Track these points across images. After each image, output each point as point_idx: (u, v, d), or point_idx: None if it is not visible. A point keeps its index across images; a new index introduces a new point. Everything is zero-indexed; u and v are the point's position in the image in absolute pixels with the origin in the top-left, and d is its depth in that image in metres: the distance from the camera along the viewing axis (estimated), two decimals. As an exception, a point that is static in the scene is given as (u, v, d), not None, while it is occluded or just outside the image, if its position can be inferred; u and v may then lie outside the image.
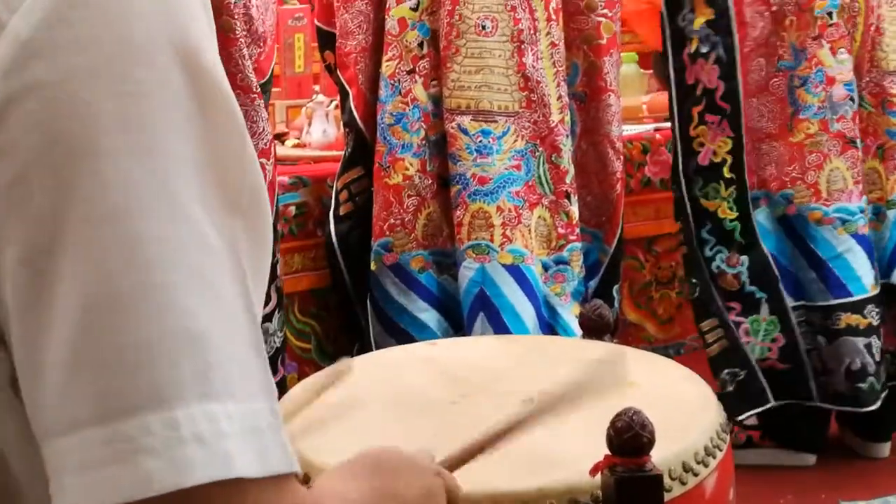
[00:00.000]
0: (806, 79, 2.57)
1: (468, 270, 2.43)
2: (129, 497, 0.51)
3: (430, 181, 2.49)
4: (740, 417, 2.58)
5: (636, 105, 3.36)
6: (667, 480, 1.18)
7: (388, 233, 2.48)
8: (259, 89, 2.25)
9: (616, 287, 2.69)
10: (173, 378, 0.52)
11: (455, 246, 2.47)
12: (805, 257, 2.62)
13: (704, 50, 2.54)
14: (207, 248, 0.55)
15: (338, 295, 2.66)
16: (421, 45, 2.47)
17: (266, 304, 2.29)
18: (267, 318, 2.31)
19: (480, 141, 2.42)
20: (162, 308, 0.53)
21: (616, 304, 2.71)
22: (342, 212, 2.57)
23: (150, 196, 0.53)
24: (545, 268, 2.48)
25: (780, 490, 2.59)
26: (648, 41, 3.16)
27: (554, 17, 2.45)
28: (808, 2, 2.56)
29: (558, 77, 2.48)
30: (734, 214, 2.60)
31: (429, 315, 2.49)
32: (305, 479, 1.12)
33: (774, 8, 2.57)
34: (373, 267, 2.50)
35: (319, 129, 2.92)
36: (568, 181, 2.49)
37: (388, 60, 2.48)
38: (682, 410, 1.35)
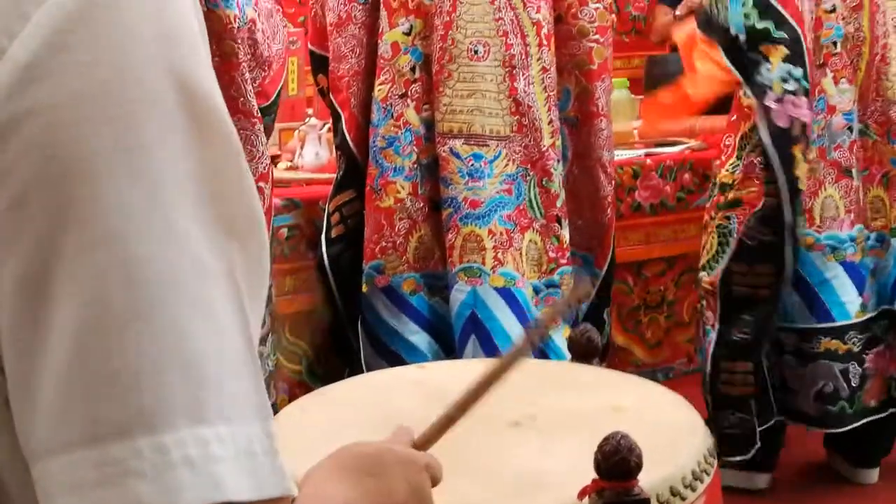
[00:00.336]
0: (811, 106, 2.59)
1: (459, 293, 2.43)
2: None
3: (421, 204, 2.50)
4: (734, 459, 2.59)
5: (627, 130, 3.38)
6: (654, 505, 1.19)
7: (379, 255, 2.49)
8: (259, 114, 2.26)
9: (607, 310, 2.70)
10: (165, 401, 0.53)
11: (446, 269, 2.47)
12: (792, 280, 2.64)
13: (790, 88, 2.52)
14: (203, 272, 0.55)
15: (329, 317, 2.66)
16: (413, 69, 2.49)
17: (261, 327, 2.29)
18: (261, 341, 2.31)
19: (472, 164, 2.43)
20: (156, 331, 0.53)
21: (607, 328, 2.71)
22: (334, 234, 2.58)
23: (147, 219, 0.54)
24: (536, 291, 2.49)
25: (767, 515, 2.60)
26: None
27: (545, 42, 2.47)
28: (816, 29, 2.59)
29: (549, 102, 2.49)
30: None
31: (420, 337, 2.50)
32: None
33: None
34: (364, 289, 2.50)
35: (312, 152, 2.94)
36: (559, 205, 2.50)
37: (380, 84, 2.49)
38: (670, 435, 1.36)
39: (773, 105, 2.52)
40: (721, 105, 2.81)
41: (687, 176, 3.27)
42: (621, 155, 3.17)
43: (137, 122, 0.54)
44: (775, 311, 2.61)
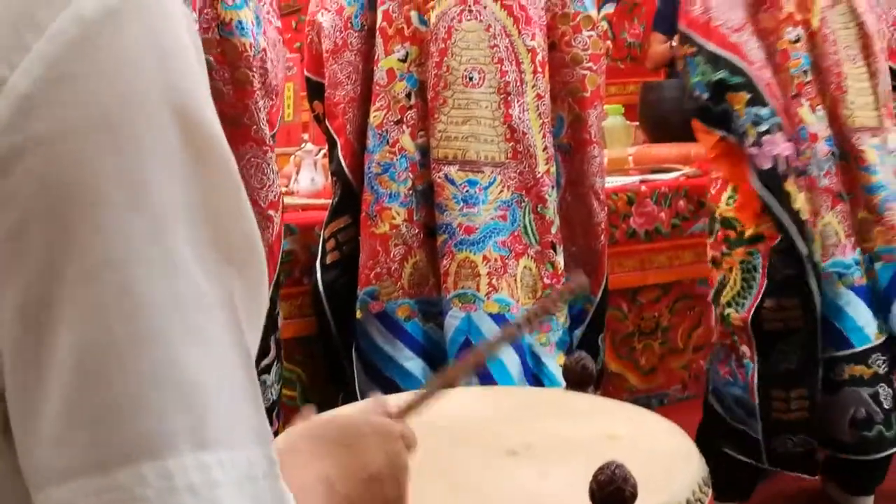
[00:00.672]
0: (792, 137, 2.61)
1: (454, 319, 2.43)
2: None
3: (416, 230, 2.50)
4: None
5: (622, 157, 3.39)
6: (649, 533, 1.18)
7: (374, 281, 2.49)
8: (272, 141, 2.26)
9: (601, 336, 2.70)
10: (166, 428, 0.53)
11: (441, 295, 2.47)
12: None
13: (764, 129, 2.56)
14: (202, 299, 0.56)
15: (324, 343, 2.66)
16: (409, 95, 2.50)
17: (266, 355, 2.28)
18: (265, 370, 2.30)
19: (467, 191, 2.44)
20: (156, 359, 0.54)
21: (602, 354, 2.71)
22: (329, 260, 2.58)
23: (146, 248, 0.54)
24: (530, 317, 2.49)
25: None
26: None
27: (540, 69, 2.48)
28: (783, 62, 2.61)
29: (544, 129, 2.50)
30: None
31: (414, 364, 2.49)
32: None
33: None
34: (359, 315, 2.50)
35: (308, 178, 2.95)
36: (553, 232, 2.50)
37: (376, 111, 2.50)
38: (665, 463, 1.36)
39: (753, 151, 2.55)
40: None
41: (682, 202, 3.28)
42: (616, 181, 3.18)
43: (138, 152, 0.55)
44: (815, 338, 2.59)
